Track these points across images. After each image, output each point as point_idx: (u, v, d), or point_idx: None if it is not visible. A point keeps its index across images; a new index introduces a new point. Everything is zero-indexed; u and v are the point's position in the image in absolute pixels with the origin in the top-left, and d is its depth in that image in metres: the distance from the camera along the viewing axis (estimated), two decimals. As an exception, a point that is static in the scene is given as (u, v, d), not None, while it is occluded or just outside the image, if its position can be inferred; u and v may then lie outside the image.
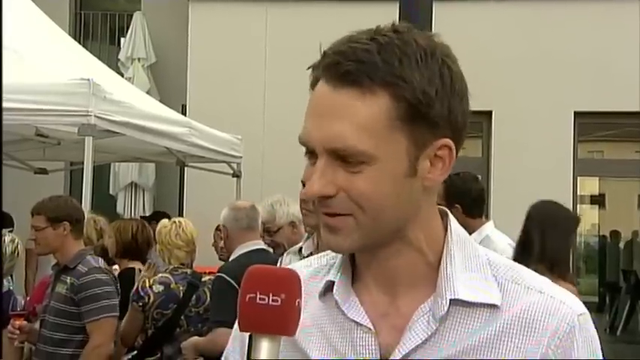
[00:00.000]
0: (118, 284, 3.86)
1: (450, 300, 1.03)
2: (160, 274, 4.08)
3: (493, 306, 1.04)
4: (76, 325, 3.64)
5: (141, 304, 3.93)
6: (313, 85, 1.03)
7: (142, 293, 3.93)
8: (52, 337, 3.66)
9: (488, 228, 3.95)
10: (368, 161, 0.98)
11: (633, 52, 8.79)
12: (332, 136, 0.98)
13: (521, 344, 1.02)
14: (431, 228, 1.08)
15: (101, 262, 3.81)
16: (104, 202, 9.10)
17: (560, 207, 3.70)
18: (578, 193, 9.46)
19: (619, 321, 10.55)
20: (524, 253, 3.52)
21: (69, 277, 3.66)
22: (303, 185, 2.65)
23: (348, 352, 1.05)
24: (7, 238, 4.14)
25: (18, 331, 3.70)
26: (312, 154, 1.02)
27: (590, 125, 9.38)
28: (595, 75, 8.86)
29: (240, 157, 7.27)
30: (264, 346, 0.90)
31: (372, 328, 1.04)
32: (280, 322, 0.90)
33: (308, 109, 1.03)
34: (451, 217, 1.10)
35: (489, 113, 9.10)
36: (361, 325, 1.05)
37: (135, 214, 9.23)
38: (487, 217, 4.73)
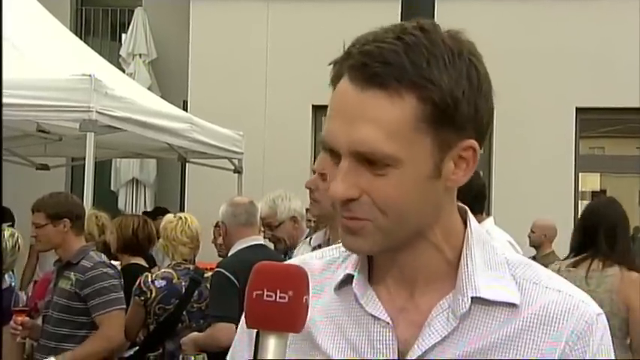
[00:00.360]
0: (122, 279, 3.87)
1: (472, 298, 1.02)
2: (163, 269, 4.09)
3: (512, 305, 1.03)
4: (80, 321, 3.65)
5: (143, 298, 3.93)
6: (334, 82, 1.01)
7: (144, 288, 3.93)
8: (56, 332, 3.67)
9: (487, 224, 3.95)
10: (394, 164, 0.97)
11: (635, 48, 8.78)
12: (359, 140, 0.97)
13: (541, 342, 1.02)
14: (451, 226, 1.07)
15: (104, 258, 3.82)
16: (105, 198, 9.10)
17: (615, 201, 4.10)
18: (580, 189, 9.45)
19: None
20: (588, 247, 3.82)
21: (72, 273, 3.67)
22: (314, 173, 2.65)
23: (364, 347, 1.04)
24: (6, 233, 4.14)
25: (20, 327, 3.71)
26: (335, 154, 1.00)
27: (592, 121, 9.38)
28: (597, 71, 8.85)
29: (242, 153, 7.27)
30: (272, 343, 0.89)
31: (389, 322, 1.03)
32: (287, 318, 0.89)
33: (332, 108, 1.01)
34: (470, 214, 1.09)
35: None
36: (379, 319, 1.04)
37: (136, 210, 9.24)
38: (488, 214, 4.74)
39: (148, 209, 8.98)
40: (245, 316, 0.92)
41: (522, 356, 1.01)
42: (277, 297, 0.89)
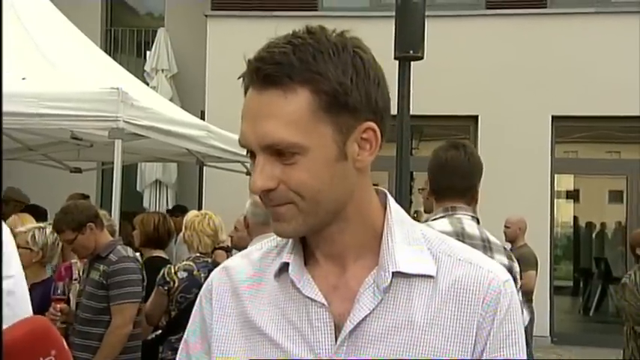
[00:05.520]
0: (144, 270, 3.86)
1: (392, 272, 1.02)
2: (184, 262, 4.08)
3: (429, 277, 1.03)
4: (102, 307, 3.63)
5: (166, 288, 3.92)
6: (245, 92, 1.02)
7: (167, 279, 3.93)
8: (86, 318, 3.67)
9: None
10: (300, 152, 0.97)
11: (605, 62, 8.78)
12: (264, 134, 0.97)
13: (459, 313, 1.02)
14: (369, 206, 1.06)
15: (130, 251, 3.81)
16: (132, 198, 9.12)
17: None
18: (555, 188, 9.44)
19: (591, 303, 10.53)
20: None
21: (102, 265, 3.66)
22: None
23: (305, 326, 1.03)
24: (47, 230, 4.12)
25: (59, 314, 3.69)
26: (252, 154, 1.01)
27: (566, 128, 9.37)
28: (571, 83, 8.85)
29: (254, 158, 7.26)
30: None
31: (325, 303, 1.03)
32: None
33: (242, 114, 1.01)
34: (390, 197, 1.09)
35: (476, 117, 9.08)
36: (315, 301, 1.03)
37: (159, 208, 9.25)
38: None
39: (170, 208, 8.99)
40: None
41: (447, 331, 1.01)
42: None
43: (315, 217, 1.01)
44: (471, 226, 2.49)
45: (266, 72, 0.97)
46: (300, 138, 0.96)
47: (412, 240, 1.06)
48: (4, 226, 2.35)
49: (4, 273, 2.16)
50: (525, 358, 1.04)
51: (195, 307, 1.16)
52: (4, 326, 2.41)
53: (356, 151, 1.01)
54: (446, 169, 2.54)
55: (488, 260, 1.08)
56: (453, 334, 1.01)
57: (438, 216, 2.52)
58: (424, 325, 1.01)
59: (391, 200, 1.09)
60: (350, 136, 1.00)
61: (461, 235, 2.43)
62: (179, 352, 1.16)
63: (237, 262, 1.15)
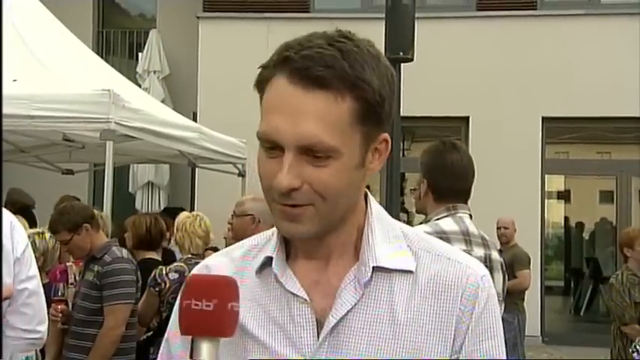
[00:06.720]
0: (139, 272, 3.85)
1: (373, 267, 1.03)
2: (175, 263, 4.08)
3: (409, 272, 1.05)
4: (96, 307, 3.62)
5: (157, 289, 3.92)
6: (265, 82, 1.01)
7: (158, 280, 3.93)
8: (80, 318, 3.66)
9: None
10: (334, 156, 0.98)
11: (594, 63, 8.83)
12: (307, 135, 0.97)
13: (438, 307, 1.03)
14: (359, 207, 1.09)
15: (125, 253, 3.80)
16: (124, 200, 9.09)
17: None
18: (546, 189, 9.48)
19: (582, 303, 10.58)
20: None
21: (96, 266, 3.66)
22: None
23: (286, 322, 1.04)
24: (47, 235, 4.11)
25: (60, 314, 3.69)
26: (274, 148, 1.00)
27: (557, 129, 9.41)
28: (561, 84, 8.90)
29: (245, 159, 7.26)
30: (203, 347, 0.88)
31: (307, 299, 1.03)
32: (215, 325, 0.88)
33: (272, 106, 0.99)
34: (370, 195, 1.11)
35: (467, 118, 9.11)
36: (298, 296, 1.04)
37: (152, 210, 9.23)
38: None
39: (162, 209, 8.98)
40: (179, 325, 0.91)
41: (427, 326, 1.02)
42: (203, 305, 0.88)
43: (330, 220, 1.02)
44: (471, 225, 2.61)
45: (319, 74, 0.96)
46: (339, 142, 0.98)
47: (392, 237, 1.08)
48: (22, 230, 2.36)
49: (25, 275, 2.19)
50: (504, 349, 1.06)
51: (176, 305, 1.16)
52: (26, 326, 2.45)
53: (370, 159, 1.04)
54: (449, 173, 2.65)
55: (466, 256, 1.10)
56: (433, 329, 1.02)
57: (441, 215, 2.62)
58: (405, 320, 1.02)
59: (371, 199, 1.11)
60: (371, 145, 1.03)
61: (466, 234, 2.56)
62: (162, 346, 1.16)
63: (218, 260, 1.15)
